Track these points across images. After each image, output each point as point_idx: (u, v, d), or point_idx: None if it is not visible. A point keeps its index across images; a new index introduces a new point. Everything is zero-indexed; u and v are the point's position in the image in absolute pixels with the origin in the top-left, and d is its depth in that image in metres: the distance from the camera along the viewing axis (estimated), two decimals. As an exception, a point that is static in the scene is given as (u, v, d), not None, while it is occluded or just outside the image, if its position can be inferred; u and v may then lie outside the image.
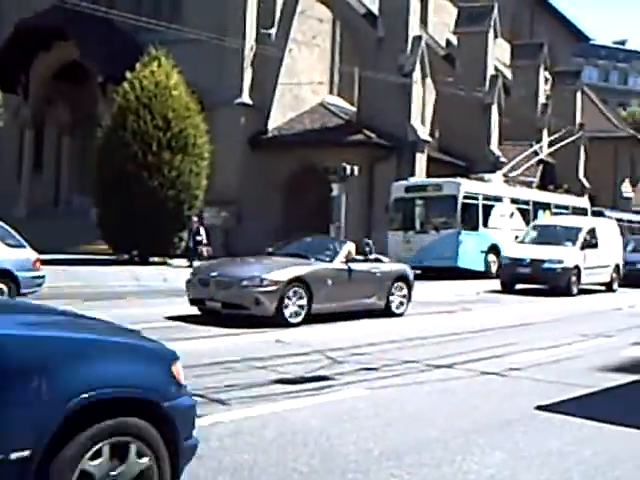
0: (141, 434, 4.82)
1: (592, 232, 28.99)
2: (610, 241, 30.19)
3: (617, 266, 30.45)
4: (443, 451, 7.52)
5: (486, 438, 8.08)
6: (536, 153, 43.85)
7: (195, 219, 32.03)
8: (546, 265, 26.75)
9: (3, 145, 42.91)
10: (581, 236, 28.31)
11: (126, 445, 4.73)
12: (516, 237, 31.14)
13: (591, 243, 28.63)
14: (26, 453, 4.25)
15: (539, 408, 9.56)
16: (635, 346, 14.99)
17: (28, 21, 38.49)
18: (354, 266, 17.88)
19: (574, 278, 27.14)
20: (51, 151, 43.31)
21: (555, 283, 26.71)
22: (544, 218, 36.77)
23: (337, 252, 18.11)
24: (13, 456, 4.19)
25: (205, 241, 32.08)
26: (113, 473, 4.64)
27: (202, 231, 32.10)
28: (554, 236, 28.75)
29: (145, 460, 4.84)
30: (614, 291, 29.66)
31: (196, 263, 28.06)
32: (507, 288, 27.37)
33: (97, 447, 4.57)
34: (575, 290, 26.99)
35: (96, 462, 4.57)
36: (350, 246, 18.56)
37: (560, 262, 26.78)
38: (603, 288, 29.66)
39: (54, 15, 37.73)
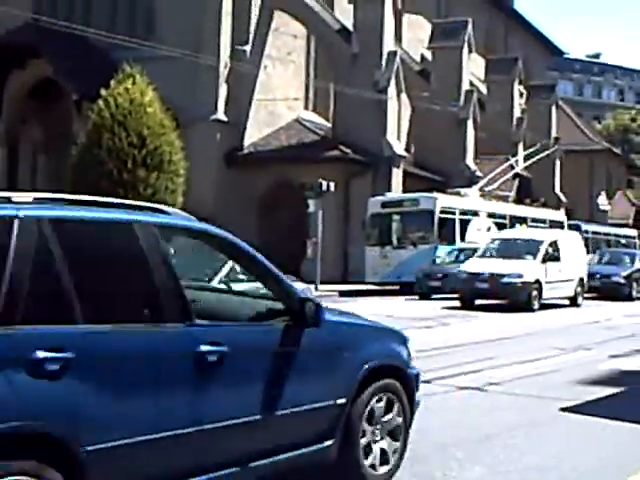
0: (398, 392, 6.86)
1: (554, 245, 28.07)
2: (574, 254, 29.25)
3: (581, 280, 29.49)
4: (422, 466, 7.46)
5: (465, 453, 8.02)
6: (512, 167, 44.02)
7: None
8: (505, 279, 25.87)
9: (-23, 164, 42.63)
10: (542, 249, 27.37)
11: (391, 402, 6.79)
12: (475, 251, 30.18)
13: (553, 256, 27.70)
14: (344, 400, 6.35)
15: (519, 423, 9.52)
16: (614, 359, 14.97)
17: (1, 39, 38.25)
18: None
19: (535, 292, 26.24)
20: (26, 169, 43.01)
21: (515, 298, 25.85)
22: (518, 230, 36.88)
23: None
24: (339, 402, 6.31)
25: None
26: (383, 419, 6.74)
27: None
28: (514, 250, 27.75)
29: (400, 420, 6.90)
30: (578, 306, 28.71)
31: None
32: (466, 304, 26.53)
33: (377, 397, 6.64)
34: (536, 305, 26.10)
35: (379, 404, 6.67)
36: None
37: (520, 276, 25.90)
38: (567, 302, 28.96)
39: (27, 32, 37.53)
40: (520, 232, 31.68)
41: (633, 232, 54.30)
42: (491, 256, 27.94)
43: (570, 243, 29.72)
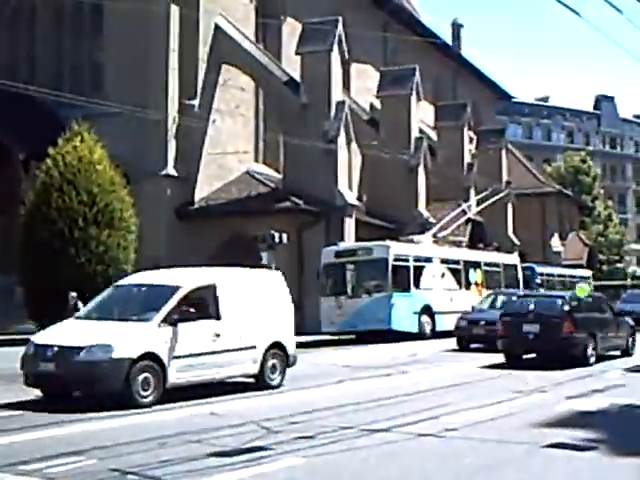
0: None
1: (204, 293, 17.49)
2: (263, 306, 18.73)
3: (279, 346, 18.88)
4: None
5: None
6: (464, 212, 44.17)
7: (73, 294, 30.37)
8: (79, 357, 15.36)
9: None
10: (170, 303, 16.49)
11: None
12: None
13: (201, 314, 17.06)
14: None
15: (478, 468, 9.39)
16: (570, 400, 14.91)
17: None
18: None
19: (146, 377, 15.40)
20: (-25, 232, 42.47)
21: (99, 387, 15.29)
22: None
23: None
24: None
25: None
26: None
27: (80, 306, 30.09)
28: (127, 304, 17.97)
29: None
30: (274, 388, 18.01)
31: None
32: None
33: None
34: (147, 400, 15.29)
35: None
36: None
37: (107, 350, 15.33)
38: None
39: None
40: (149, 274, 19.48)
41: (587, 272, 54.67)
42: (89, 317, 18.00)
43: (259, 288, 19.14)
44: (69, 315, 28.85)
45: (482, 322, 28.45)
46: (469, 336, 28.82)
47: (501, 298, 31.08)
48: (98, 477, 9.34)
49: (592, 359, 22.53)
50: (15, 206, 32.86)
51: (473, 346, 28.24)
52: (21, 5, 43.07)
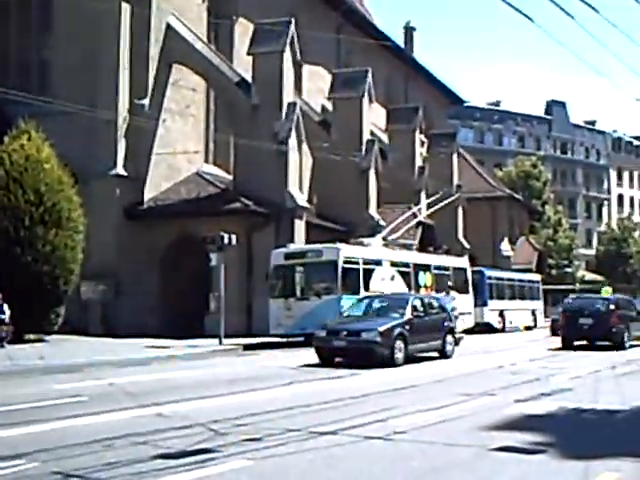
0: None
1: None
2: None
3: None
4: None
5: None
6: (415, 215, 44.30)
7: None
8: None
9: None
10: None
11: None
12: None
13: None
14: None
15: (425, 471, 9.32)
16: (518, 403, 14.90)
17: None
18: None
19: None
20: None
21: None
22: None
23: None
24: None
25: (7, 320, 28.81)
26: None
27: (5, 309, 28.97)
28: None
29: None
30: None
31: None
32: None
33: None
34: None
35: None
36: None
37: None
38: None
39: None
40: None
41: (536, 277, 55.10)
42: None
43: None
44: None
45: (344, 332, 23.78)
46: (329, 349, 23.78)
47: (378, 302, 26.89)
48: (39, 481, 9.14)
49: (627, 344, 30.79)
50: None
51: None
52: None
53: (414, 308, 25.43)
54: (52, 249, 30.19)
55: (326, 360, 23.59)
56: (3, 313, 29.06)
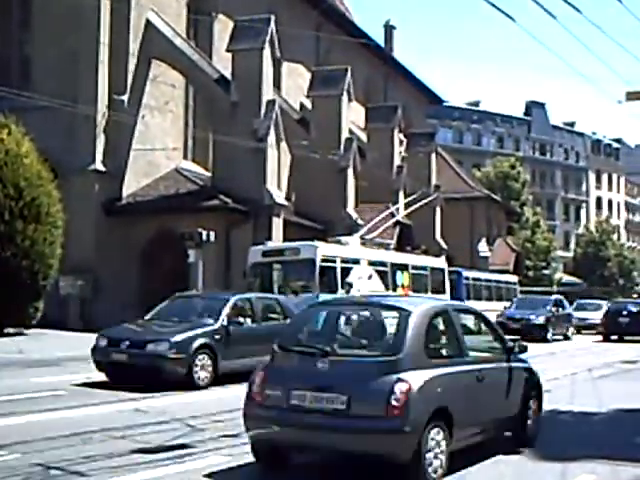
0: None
1: None
2: None
3: None
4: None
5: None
6: (393, 215, 44.35)
7: None
8: None
9: None
10: None
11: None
12: None
13: None
14: None
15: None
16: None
17: None
18: None
19: None
20: None
21: None
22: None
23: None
24: None
25: None
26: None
27: None
28: None
29: None
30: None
31: None
32: None
33: None
34: None
35: None
36: None
37: None
38: None
39: None
40: None
41: (514, 278, 55.29)
42: None
43: None
44: None
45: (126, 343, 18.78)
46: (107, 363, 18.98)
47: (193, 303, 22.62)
48: (21, 471, 9.23)
49: None
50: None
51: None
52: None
53: (236, 312, 20.80)
54: (31, 244, 30.26)
55: (111, 377, 18.61)
56: None
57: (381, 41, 66.06)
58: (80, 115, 35.67)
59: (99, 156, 37.40)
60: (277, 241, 36.73)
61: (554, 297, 47.76)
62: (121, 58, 38.24)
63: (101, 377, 18.47)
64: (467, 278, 46.61)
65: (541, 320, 41.40)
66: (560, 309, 44.41)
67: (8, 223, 29.86)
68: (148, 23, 39.57)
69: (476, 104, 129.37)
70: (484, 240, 64.62)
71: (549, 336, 40.83)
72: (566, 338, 43.17)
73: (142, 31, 39.38)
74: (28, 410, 13.69)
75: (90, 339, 29.51)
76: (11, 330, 30.88)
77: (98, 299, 36.35)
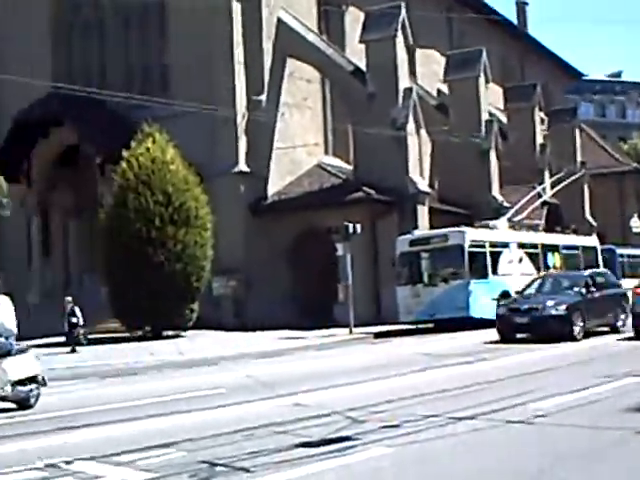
0: None
1: None
2: None
3: None
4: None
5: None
6: (539, 195, 43.56)
7: (69, 299, 30.98)
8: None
9: (11, 234, 42.86)
10: None
11: None
12: None
13: None
14: None
15: (571, 455, 9.17)
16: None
17: (25, 112, 38.79)
18: None
19: None
20: (58, 235, 43.27)
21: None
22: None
23: None
24: None
25: (81, 322, 30.31)
26: None
27: (77, 312, 30.51)
28: None
29: None
30: None
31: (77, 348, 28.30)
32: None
33: None
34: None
35: None
36: None
37: None
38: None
39: (49, 103, 38.04)
40: None
41: (671, 252, 53.41)
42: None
43: None
44: (66, 321, 29.75)
45: (527, 308, 26.64)
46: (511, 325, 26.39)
47: (551, 280, 29.74)
48: (189, 469, 9.34)
49: None
50: (95, 209, 33.63)
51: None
52: (92, 15, 43.86)
53: (587, 285, 26.94)
54: (183, 247, 30.95)
55: (507, 337, 25.39)
56: (75, 316, 29.91)
57: (514, 18, 65.07)
58: (220, 118, 36.22)
59: (242, 157, 37.87)
60: (423, 229, 36.50)
61: (589, 272, 30.44)
62: (256, 58, 38.68)
63: (258, 373, 18.69)
64: (621, 255, 45.34)
65: (561, 309, 25.61)
66: (600, 289, 27.97)
67: (159, 229, 30.60)
68: (279, 21, 39.88)
69: (618, 75, 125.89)
70: (636, 215, 62.81)
71: (577, 332, 25.36)
72: (615, 331, 27.49)
73: (274, 30, 39.71)
74: (191, 408, 13.95)
75: (246, 337, 30.23)
76: (170, 333, 31.63)
77: (250, 298, 36.81)
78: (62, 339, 30.43)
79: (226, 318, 36.00)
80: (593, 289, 27.34)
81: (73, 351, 28.33)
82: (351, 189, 37.71)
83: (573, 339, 24.74)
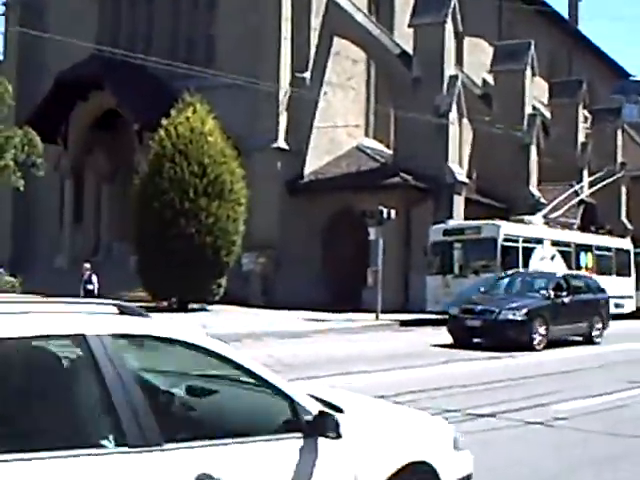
0: None
1: None
2: None
3: None
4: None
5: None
6: (576, 193, 43.21)
7: (87, 266, 30.21)
8: None
9: (45, 195, 42.94)
10: None
11: None
12: None
13: None
14: None
15: (587, 461, 9.10)
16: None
17: (66, 73, 38.90)
18: None
19: None
20: (91, 200, 43.42)
21: None
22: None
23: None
24: None
25: (97, 291, 29.21)
26: None
27: (94, 279, 29.72)
28: None
29: None
30: None
31: None
32: None
33: None
34: None
35: None
36: None
37: None
38: None
39: (91, 65, 38.16)
40: None
41: None
42: None
43: None
44: (83, 287, 28.93)
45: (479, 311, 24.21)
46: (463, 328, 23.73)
47: (520, 280, 27.08)
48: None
49: None
50: (130, 176, 33.60)
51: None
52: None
53: (559, 288, 24.42)
54: (215, 221, 30.82)
55: (460, 341, 22.62)
56: (92, 283, 29.42)
57: (565, 12, 64.52)
58: (263, 93, 36.09)
59: (282, 134, 37.77)
60: (458, 219, 36.26)
61: (564, 273, 28.27)
62: (303, 34, 38.50)
63: (281, 354, 18.67)
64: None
65: (520, 314, 22.82)
66: (574, 293, 25.07)
67: (193, 200, 30.50)
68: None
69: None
70: (673, 220, 62.12)
71: (537, 341, 22.61)
72: (589, 342, 24.86)
73: (323, 7, 39.50)
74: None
75: (271, 316, 30.15)
76: (195, 306, 31.60)
77: (280, 276, 36.78)
78: None
79: (253, 295, 35.98)
80: (563, 293, 24.21)
81: None
82: (388, 174, 37.52)
83: (532, 349, 21.88)
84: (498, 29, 52.74)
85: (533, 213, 37.75)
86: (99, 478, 3.92)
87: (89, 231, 43.13)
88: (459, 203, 37.84)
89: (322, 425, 4.67)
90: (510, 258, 31.93)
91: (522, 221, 34.90)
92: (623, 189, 53.80)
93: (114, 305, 4.63)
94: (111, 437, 4.08)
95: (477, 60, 49.53)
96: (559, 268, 34.18)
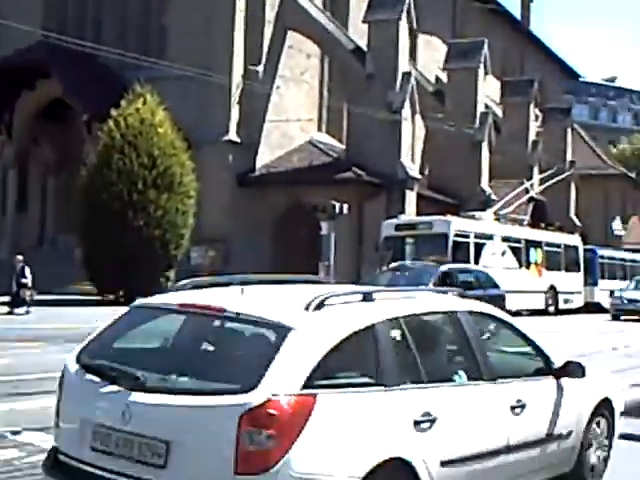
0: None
1: None
2: None
3: None
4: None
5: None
6: (527, 191, 43.46)
7: (19, 258, 28.75)
8: None
9: (-15, 185, 42.10)
10: None
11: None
12: None
13: None
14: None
15: None
16: (634, 388, 14.33)
17: (10, 59, 38.09)
18: None
19: None
20: (36, 190, 42.75)
21: None
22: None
23: None
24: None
25: (30, 284, 28.00)
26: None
27: (27, 272, 28.22)
28: None
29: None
30: None
31: (19, 310, 26.55)
32: None
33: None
34: None
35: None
36: None
37: None
38: None
39: (37, 52, 37.34)
40: None
41: (650, 257, 53.49)
42: None
43: None
44: (16, 280, 27.86)
45: None
46: None
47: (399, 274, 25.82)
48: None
49: None
50: (77, 167, 33.03)
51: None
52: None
53: (442, 283, 22.39)
54: (163, 213, 30.49)
55: None
56: (25, 277, 27.92)
57: (518, 13, 64.88)
58: (215, 85, 35.75)
59: (233, 127, 37.51)
60: (410, 215, 36.24)
61: (446, 267, 25.80)
62: (257, 27, 38.25)
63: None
64: (602, 257, 45.27)
65: None
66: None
67: (142, 192, 30.13)
68: (284, -7, 39.42)
69: (612, 80, 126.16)
70: (618, 218, 62.83)
71: None
72: None
73: (278, 1, 39.24)
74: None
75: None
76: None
77: (229, 270, 36.42)
78: (7, 299, 27.92)
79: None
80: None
81: (10, 313, 26.52)
82: (341, 168, 37.41)
83: None
84: (452, 27, 52.89)
85: (484, 209, 37.86)
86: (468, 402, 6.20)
87: (33, 223, 42.43)
88: (411, 199, 37.85)
89: (571, 369, 7.06)
90: (461, 253, 31.91)
91: (473, 217, 34.93)
92: (572, 187, 54.45)
93: (456, 294, 7.23)
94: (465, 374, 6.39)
95: (431, 57, 49.63)
96: (509, 263, 34.36)
